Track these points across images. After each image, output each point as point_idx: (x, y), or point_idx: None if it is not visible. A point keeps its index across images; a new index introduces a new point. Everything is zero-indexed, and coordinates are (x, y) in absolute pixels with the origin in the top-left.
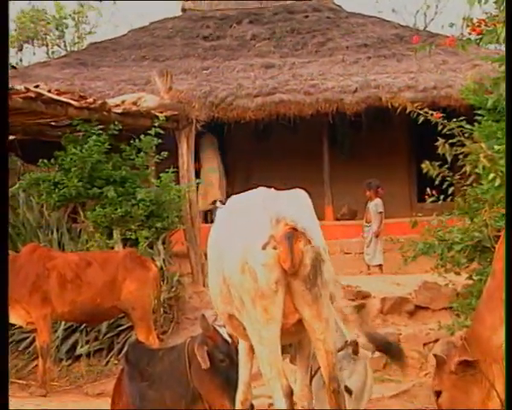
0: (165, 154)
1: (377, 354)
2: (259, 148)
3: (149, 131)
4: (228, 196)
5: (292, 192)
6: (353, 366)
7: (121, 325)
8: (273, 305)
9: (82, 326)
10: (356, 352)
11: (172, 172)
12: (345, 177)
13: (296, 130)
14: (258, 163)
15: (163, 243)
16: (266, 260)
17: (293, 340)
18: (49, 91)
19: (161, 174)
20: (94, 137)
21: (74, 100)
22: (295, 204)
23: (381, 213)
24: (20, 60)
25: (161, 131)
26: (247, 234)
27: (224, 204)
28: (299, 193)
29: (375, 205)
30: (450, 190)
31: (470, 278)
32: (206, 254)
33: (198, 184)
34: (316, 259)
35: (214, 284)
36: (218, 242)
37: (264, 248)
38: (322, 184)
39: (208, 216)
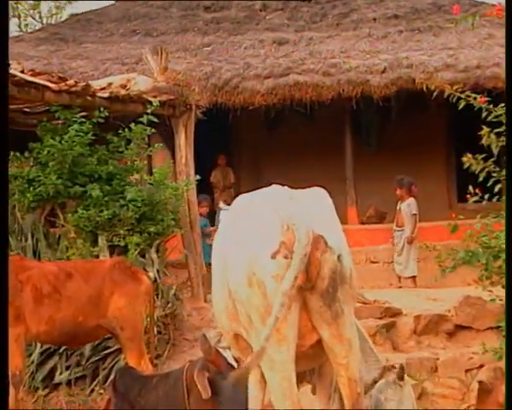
0: (159, 146)
1: (411, 381)
2: (270, 139)
3: (141, 119)
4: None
5: (309, 191)
6: (401, 392)
7: (108, 348)
8: (286, 323)
9: (61, 349)
10: (401, 377)
11: (168, 167)
12: (371, 173)
13: (314, 117)
14: (268, 157)
15: (157, 250)
16: (276, 271)
17: (312, 365)
18: (23, 72)
19: (155, 170)
20: (75, 125)
21: (52, 82)
22: (313, 205)
23: (415, 215)
24: None
25: (155, 119)
26: (255, 240)
27: (228, 205)
28: (317, 192)
29: (408, 206)
30: (497, 187)
31: None
32: (208, 264)
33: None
34: (335, 269)
35: (218, 299)
36: (222, 249)
37: (273, 256)
38: (344, 182)
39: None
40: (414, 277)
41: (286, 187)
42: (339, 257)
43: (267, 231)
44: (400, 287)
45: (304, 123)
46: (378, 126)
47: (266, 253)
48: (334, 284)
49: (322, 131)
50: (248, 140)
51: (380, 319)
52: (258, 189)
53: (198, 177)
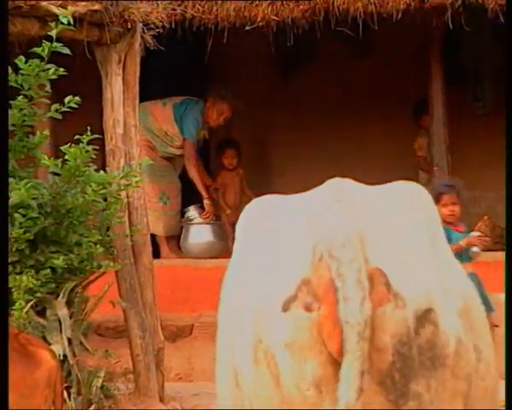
0: (74, 101)
1: None
2: (287, 90)
3: (38, 50)
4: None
5: (386, 189)
6: None
7: None
8: None
9: None
10: None
11: (90, 141)
12: (482, 153)
13: (370, 47)
14: (282, 125)
15: (69, 302)
16: (292, 336)
17: None
18: None
19: (65, 147)
20: None
21: None
22: (384, 214)
23: None
24: None
25: (65, 50)
26: (266, 280)
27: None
28: (403, 191)
29: None
30: None
31: None
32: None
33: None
34: (408, 338)
35: (222, 386)
36: (230, 297)
37: (285, 308)
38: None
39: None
40: None
41: (350, 180)
42: (426, 314)
43: (286, 262)
44: None
45: (351, 58)
46: (495, 66)
47: (277, 302)
48: (406, 366)
49: (387, 74)
50: (245, 92)
51: None
52: (260, 183)
53: (149, 160)
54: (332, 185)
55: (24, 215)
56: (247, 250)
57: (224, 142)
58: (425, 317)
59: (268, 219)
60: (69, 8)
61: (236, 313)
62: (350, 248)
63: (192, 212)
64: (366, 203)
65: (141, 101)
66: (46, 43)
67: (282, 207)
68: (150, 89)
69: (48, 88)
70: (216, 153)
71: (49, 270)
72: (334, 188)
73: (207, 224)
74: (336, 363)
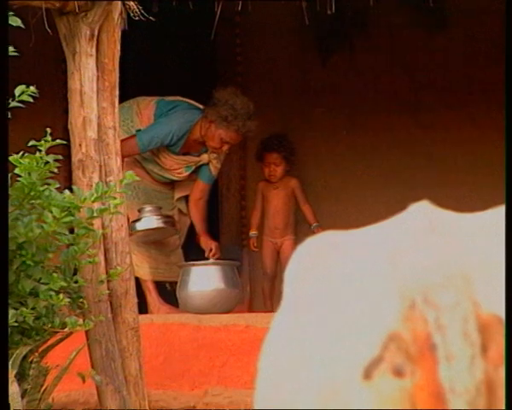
0: (26, 91)
1: None
2: (327, 77)
3: None
4: None
5: (490, 215)
6: None
7: None
8: None
9: None
10: None
11: (50, 149)
12: None
13: (444, 17)
14: (321, 124)
15: (21, 374)
16: None
17: None
18: None
19: (14, 157)
20: None
21: None
22: (496, 246)
23: None
24: None
25: (16, 22)
26: (334, 340)
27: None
28: None
29: None
30: None
31: None
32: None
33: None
34: None
35: None
36: (278, 365)
37: (368, 375)
38: None
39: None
40: None
41: (432, 208)
42: None
43: (364, 313)
44: None
45: (418, 32)
46: None
47: (355, 367)
48: None
49: (468, 53)
50: (268, 79)
51: None
52: None
53: (133, 175)
54: (418, 211)
55: None
56: (303, 302)
57: (264, 143)
58: None
59: (332, 261)
60: None
61: (290, 388)
62: (452, 291)
63: (146, 213)
64: (467, 233)
65: (121, 95)
66: None
67: (350, 244)
68: (134, 76)
69: None
70: (255, 158)
71: None
72: (421, 214)
73: (215, 264)
74: None
